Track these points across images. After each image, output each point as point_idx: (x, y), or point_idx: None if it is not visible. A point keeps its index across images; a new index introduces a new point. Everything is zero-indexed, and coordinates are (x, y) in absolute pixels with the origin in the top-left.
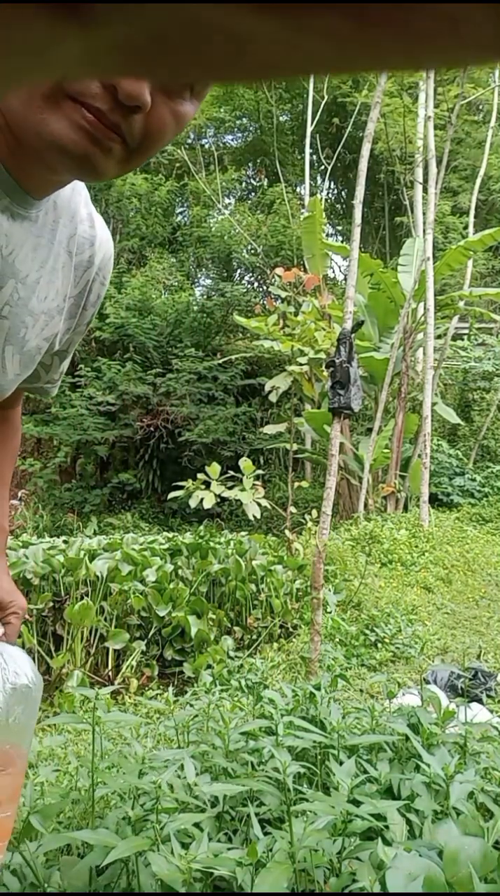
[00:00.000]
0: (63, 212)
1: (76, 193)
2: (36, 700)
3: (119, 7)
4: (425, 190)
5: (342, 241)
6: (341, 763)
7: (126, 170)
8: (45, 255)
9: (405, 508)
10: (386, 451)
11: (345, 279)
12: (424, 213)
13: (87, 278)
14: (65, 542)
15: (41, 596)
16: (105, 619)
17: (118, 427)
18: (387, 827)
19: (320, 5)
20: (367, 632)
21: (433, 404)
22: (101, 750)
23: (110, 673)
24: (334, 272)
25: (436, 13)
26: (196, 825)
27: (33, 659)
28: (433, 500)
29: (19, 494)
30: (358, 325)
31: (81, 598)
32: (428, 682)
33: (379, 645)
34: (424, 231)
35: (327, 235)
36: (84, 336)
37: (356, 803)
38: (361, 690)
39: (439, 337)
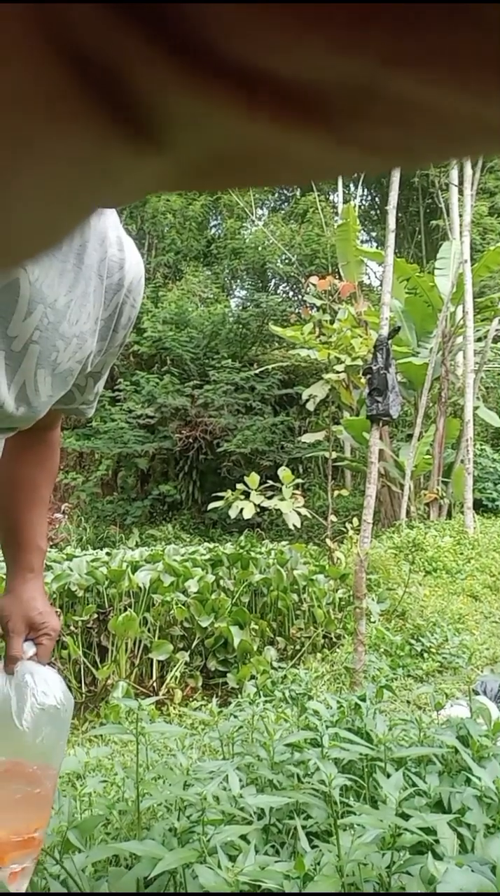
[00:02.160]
0: (91, 236)
1: (105, 217)
2: (65, 721)
3: (187, 132)
4: (460, 192)
5: (377, 247)
6: (388, 776)
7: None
8: (73, 279)
9: (449, 515)
10: (427, 457)
11: (381, 285)
12: (460, 216)
13: (117, 301)
14: (108, 554)
15: (86, 608)
16: (149, 630)
17: (158, 439)
18: (437, 841)
19: (367, 119)
20: (412, 641)
21: (475, 408)
22: (146, 761)
23: (155, 684)
24: (369, 278)
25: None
26: (242, 837)
27: (79, 670)
28: (478, 506)
29: (63, 508)
30: (395, 330)
31: (125, 610)
32: (477, 693)
33: (425, 655)
34: (461, 233)
35: (362, 242)
36: (122, 352)
37: (405, 817)
38: (407, 702)
39: (479, 340)
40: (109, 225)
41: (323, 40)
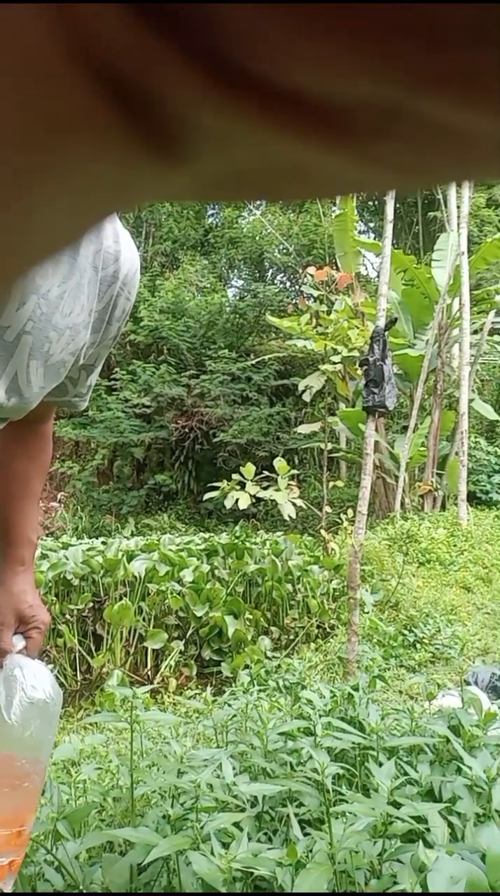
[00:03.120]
0: None
1: None
2: (54, 714)
3: (212, 148)
4: (458, 183)
5: (375, 238)
6: (380, 765)
7: None
8: (68, 270)
9: (443, 507)
10: (422, 449)
11: (378, 276)
12: (458, 207)
13: (111, 293)
14: (103, 543)
15: (81, 596)
16: (144, 619)
17: (154, 429)
18: (428, 829)
19: (390, 137)
20: (405, 632)
21: (470, 401)
22: (141, 748)
23: (149, 672)
24: (366, 269)
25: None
26: (236, 825)
27: (74, 658)
28: (472, 499)
29: (59, 497)
30: (392, 322)
31: (120, 599)
32: (469, 684)
33: (418, 645)
34: (458, 225)
35: (360, 233)
36: (118, 341)
37: (397, 805)
38: (400, 692)
39: (475, 332)
40: None
41: (355, 61)
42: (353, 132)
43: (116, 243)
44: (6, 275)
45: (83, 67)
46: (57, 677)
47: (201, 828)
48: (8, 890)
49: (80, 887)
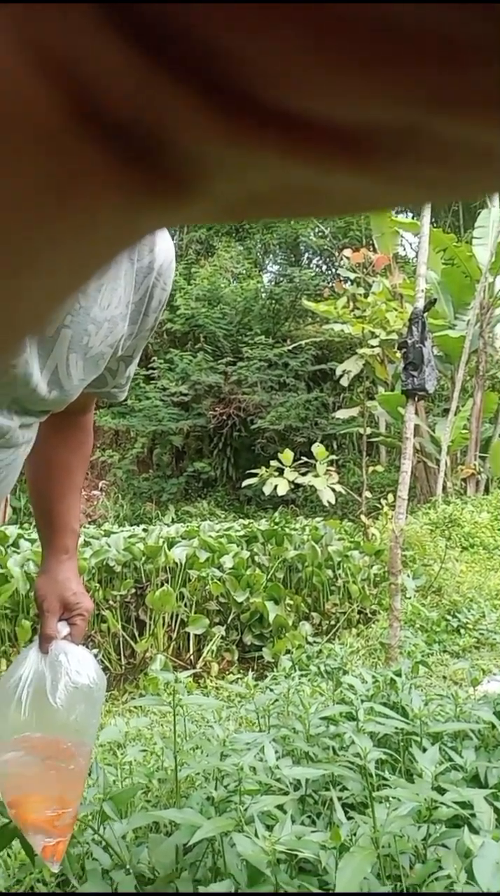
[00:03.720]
0: None
1: None
2: (98, 700)
3: (226, 180)
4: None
5: (413, 217)
6: (424, 750)
7: None
8: None
9: (486, 490)
10: (464, 431)
11: (416, 257)
12: None
13: (147, 284)
14: (144, 530)
15: (124, 583)
16: (185, 605)
17: (192, 417)
18: (474, 815)
19: (410, 157)
20: (448, 617)
21: None
22: (184, 732)
23: (192, 657)
24: (404, 250)
25: None
26: (279, 807)
27: (118, 643)
28: None
29: (100, 485)
30: (431, 303)
31: (162, 585)
32: None
33: (462, 631)
34: None
35: (397, 212)
36: (155, 331)
37: (441, 791)
38: (443, 677)
39: None
40: None
41: (369, 87)
42: (371, 154)
43: (151, 233)
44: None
45: (89, 130)
46: (101, 662)
47: (245, 810)
48: (55, 869)
49: (128, 867)
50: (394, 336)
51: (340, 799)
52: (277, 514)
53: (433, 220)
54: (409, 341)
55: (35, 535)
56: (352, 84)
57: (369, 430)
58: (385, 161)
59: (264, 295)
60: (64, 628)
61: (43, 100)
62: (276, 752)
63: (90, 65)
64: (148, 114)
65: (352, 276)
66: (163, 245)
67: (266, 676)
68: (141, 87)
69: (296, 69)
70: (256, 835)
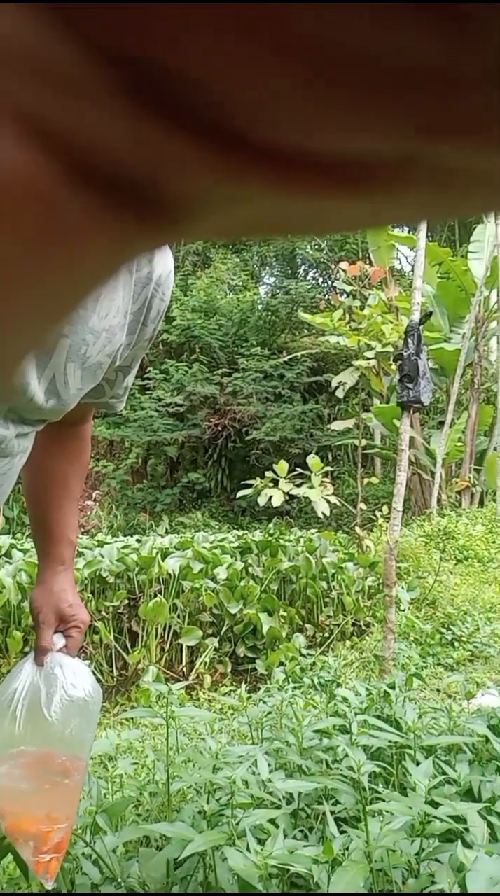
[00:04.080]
0: None
1: None
2: (93, 713)
3: (219, 212)
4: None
5: (409, 232)
6: (417, 763)
7: None
8: None
9: (481, 503)
10: (459, 444)
11: (412, 270)
12: None
13: (145, 295)
14: (138, 541)
15: (116, 594)
16: (178, 616)
17: (187, 427)
18: (467, 829)
19: (406, 182)
20: (443, 630)
21: None
22: (176, 744)
23: (184, 669)
24: (400, 263)
25: None
26: (271, 821)
27: (110, 654)
28: None
29: (94, 495)
30: (427, 316)
31: (155, 596)
32: None
33: (456, 644)
34: (496, 216)
35: (393, 227)
36: (151, 344)
37: (434, 804)
38: (437, 690)
39: None
40: None
41: (370, 120)
42: (368, 182)
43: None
44: None
45: (80, 179)
46: (94, 673)
47: (237, 824)
48: (49, 886)
49: (118, 880)
50: (390, 348)
51: (333, 813)
52: (271, 525)
53: (429, 234)
54: (404, 354)
55: (27, 546)
56: (345, 120)
57: (364, 442)
58: (383, 188)
59: (260, 307)
60: (59, 640)
61: (40, 164)
62: (268, 765)
63: (85, 122)
64: (143, 162)
65: (348, 288)
66: (162, 256)
67: (259, 689)
68: (137, 138)
69: (288, 107)
70: (247, 849)
